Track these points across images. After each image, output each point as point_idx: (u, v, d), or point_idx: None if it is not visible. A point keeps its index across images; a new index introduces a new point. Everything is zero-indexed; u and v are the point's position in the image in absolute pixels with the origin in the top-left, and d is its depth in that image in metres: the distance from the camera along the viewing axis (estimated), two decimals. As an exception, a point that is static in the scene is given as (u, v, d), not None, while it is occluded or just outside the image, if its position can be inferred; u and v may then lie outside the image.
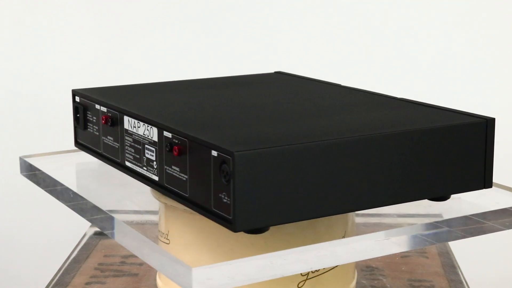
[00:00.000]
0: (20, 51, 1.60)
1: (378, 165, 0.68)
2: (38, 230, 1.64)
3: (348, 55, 1.57)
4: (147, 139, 0.74)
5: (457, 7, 1.55)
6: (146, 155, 0.75)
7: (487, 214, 0.75)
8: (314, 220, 0.74)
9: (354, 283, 0.84)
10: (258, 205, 0.63)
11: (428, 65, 1.57)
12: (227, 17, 1.58)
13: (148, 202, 0.85)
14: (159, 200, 0.80)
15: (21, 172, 0.93)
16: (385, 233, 0.70)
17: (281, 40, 1.58)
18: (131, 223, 0.91)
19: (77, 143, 0.89)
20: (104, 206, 0.79)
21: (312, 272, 0.77)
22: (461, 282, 0.97)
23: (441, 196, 0.72)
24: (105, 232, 0.76)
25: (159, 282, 0.86)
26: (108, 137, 0.82)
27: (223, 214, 0.63)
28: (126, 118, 0.78)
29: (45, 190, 0.88)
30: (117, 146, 0.80)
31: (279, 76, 0.98)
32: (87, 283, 0.97)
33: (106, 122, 0.81)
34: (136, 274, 0.99)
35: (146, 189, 0.82)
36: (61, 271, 1.01)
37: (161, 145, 0.72)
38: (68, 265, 1.03)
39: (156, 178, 0.73)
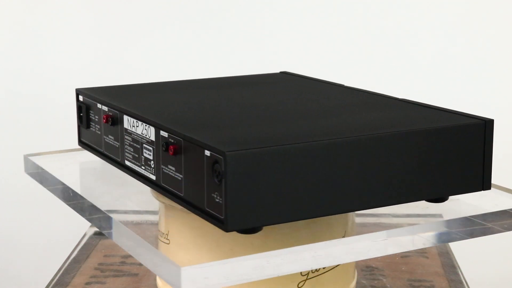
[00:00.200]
0: (20, 51, 1.60)
1: (375, 166, 0.67)
2: (38, 230, 1.64)
3: (348, 55, 1.57)
4: (145, 138, 0.74)
5: (457, 7, 1.55)
6: (144, 154, 0.75)
7: (486, 216, 0.75)
8: (314, 220, 0.74)
9: (354, 283, 0.84)
10: (250, 205, 0.63)
11: (428, 65, 1.57)
12: (227, 17, 1.58)
13: (148, 202, 0.85)
14: (159, 200, 0.80)
15: (26, 170, 0.93)
16: (384, 233, 0.70)
17: (281, 40, 1.58)
18: (131, 223, 0.91)
19: (80, 142, 0.89)
20: (104, 206, 0.79)
21: (312, 272, 0.77)
22: (461, 282, 0.97)
23: (439, 198, 0.72)
24: (103, 232, 0.76)
25: (159, 282, 0.86)
26: (109, 136, 0.82)
27: (215, 213, 0.64)
28: (125, 117, 0.78)
29: (48, 189, 0.88)
30: (117, 145, 0.80)
31: (284, 76, 0.98)
32: (87, 283, 0.97)
33: (107, 121, 0.81)
34: (136, 274, 0.99)
35: (147, 188, 0.82)
36: (61, 271, 1.01)
37: (158, 144, 0.72)
38: (68, 265, 1.03)
39: (153, 177, 0.74)
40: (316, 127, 0.70)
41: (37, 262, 1.64)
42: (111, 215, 0.79)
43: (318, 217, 0.66)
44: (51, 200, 1.59)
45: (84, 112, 0.86)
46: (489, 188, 0.73)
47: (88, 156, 0.89)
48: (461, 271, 1.01)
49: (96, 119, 0.84)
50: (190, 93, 0.87)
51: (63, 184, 0.86)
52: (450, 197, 0.73)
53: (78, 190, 0.83)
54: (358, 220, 0.94)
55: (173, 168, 0.70)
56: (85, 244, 1.10)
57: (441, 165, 0.70)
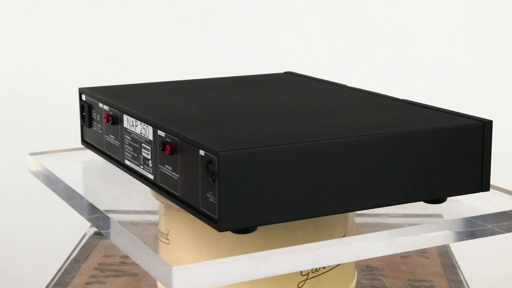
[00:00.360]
0: (20, 51, 1.60)
1: (372, 167, 0.67)
2: (38, 230, 1.64)
3: (348, 55, 1.57)
4: (143, 137, 0.75)
5: (457, 7, 1.55)
6: (143, 153, 0.75)
7: (486, 217, 0.75)
8: (315, 220, 0.74)
9: (354, 283, 0.84)
10: (244, 205, 0.63)
11: (428, 65, 1.57)
12: (227, 17, 1.58)
13: (148, 201, 0.85)
14: (159, 200, 0.80)
15: (29, 169, 0.94)
16: (385, 233, 0.70)
17: (281, 40, 1.58)
18: (131, 223, 0.91)
19: (83, 141, 0.90)
20: (104, 206, 0.79)
21: (312, 272, 0.77)
22: (461, 282, 0.97)
23: (437, 199, 0.72)
24: (101, 231, 0.76)
25: (159, 282, 0.86)
26: (110, 135, 0.82)
27: (209, 213, 0.64)
28: (125, 116, 0.78)
29: (50, 188, 0.89)
30: (117, 145, 0.81)
31: (288, 76, 0.97)
32: (87, 283, 0.97)
33: (107, 121, 0.81)
34: (136, 274, 0.99)
35: (147, 188, 0.82)
36: (61, 271, 1.01)
37: (156, 144, 0.72)
38: (68, 265, 1.03)
39: (151, 177, 0.74)
40: (313, 127, 0.70)
41: (37, 262, 1.64)
42: (111, 215, 0.79)
43: (313, 217, 0.66)
44: (51, 200, 1.59)
45: (87, 112, 0.87)
46: (488, 190, 0.73)
47: (91, 155, 0.89)
48: (461, 271, 1.01)
49: (98, 119, 0.84)
50: (192, 93, 0.87)
51: (64, 183, 0.86)
52: (449, 198, 0.73)
53: (78, 189, 0.83)
54: (358, 220, 0.94)
55: (170, 168, 0.70)
56: (85, 244, 1.10)
57: (439, 166, 0.70)
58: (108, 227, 0.75)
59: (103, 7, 1.59)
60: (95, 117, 0.85)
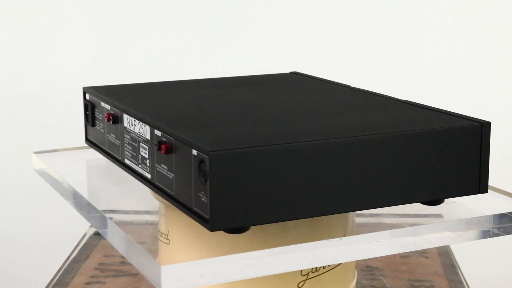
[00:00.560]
0: (20, 51, 1.60)
1: (367, 167, 0.67)
2: (38, 230, 1.64)
3: (348, 55, 1.57)
4: (141, 137, 0.75)
5: (457, 8, 1.55)
6: (141, 153, 0.75)
7: (485, 219, 0.74)
8: (314, 220, 0.74)
9: (354, 283, 0.84)
10: (235, 205, 0.62)
11: (428, 65, 1.57)
12: (227, 17, 1.58)
13: (149, 201, 0.85)
14: (158, 200, 0.80)
15: (33, 167, 0.94)
16: (385, 233, 0.70)
17: (280, 40, 1.58)
18: (131, 223, 0.91)
19: (87, 140, 0.90)
20: (105, 205, 0.79)
21: (312, 272, 0.77)
22: (461, 282, 0.97)
23: (434, 200, 0.71)
24: (99, 231, 0.76)
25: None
26: (111, 134, 0.82)
27: (201, 213, 0.64)
28: (125, 116, 0.78)
29: (52, 187, 0.89)
30: (118, 144, 0.81)
31: (293, 77, 0.97)
32: (87, 283, 0.97)
33: (109, 120, 0.81)
34: (136, 274, 0.99)
35: (147, 188, 0.82)
36: (61, 271, 1.01)
37: (152, 143, 0.72)
38: (68, 265, 1.03)
39: (149, 176, 0.74)
40: (309, 127, 0.69)
41: (37, 262, 1.64)
42: (112, 215, 0.79)
43: (307, 217, 0.66)
44: (51, 200, 1.59)
45: (90, 111, 0.87)
46: (486, 192, 0.72)
47: (95, 154, 0.89)
48: (461, 271, 1.01)
49: (100, 118, 0.85)
50: (194, 93, 0.87)
51: (65, 182, 0.86)
52: (447, 200, 0.72)
53: (79, 188, 0.84)
54: (358, 220, 0.94)
55: (166, 167, 0.70)
56: (85, 244, 1.10)
57: (437, 167, 0.70)
58: (106, 227, 0.75)
59: (103, 7, 1.59)
60: (98, 116, 0.86)
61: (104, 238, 1.10)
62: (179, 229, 0.78)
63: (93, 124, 0.87)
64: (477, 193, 0.72)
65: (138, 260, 0.66)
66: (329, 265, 0.77)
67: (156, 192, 0.73)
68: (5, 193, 1.64)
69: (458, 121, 0.72)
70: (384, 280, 0.97)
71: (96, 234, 1.12)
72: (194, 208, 0.65)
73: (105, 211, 0.78)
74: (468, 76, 1.56)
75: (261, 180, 0.63)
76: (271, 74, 0.99)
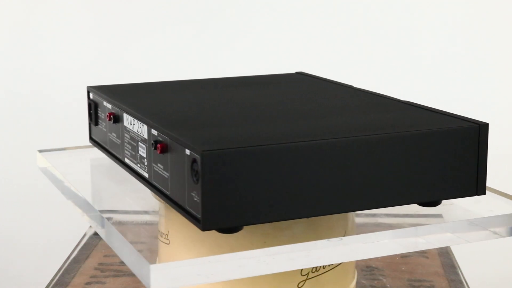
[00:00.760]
0: (20, 51, 1.60)
1: (363, 168, 0.67)
2: (38, 230, 1.64)
3: (348, 55, 1.57)
4: (139, 136, 0.75)
5: (457, 7, 1.55)
6: (139, 152, 0.75)
7: (485, 220, 0.74)
8: (314, 220, 0.74)
9: (354, 283, 0.84)
10: (227, 205, 0.62)
11: (428, 65, 1.57)
12: (227, 17, 1.58)
13: (149, 201, 0.85)
14: (158, 200, 0.80)
15: (38, 166, 0.94)
16: (386, 233, 0.69)
17: (280, 40, 1.58)
18: (131, 223, 0.91)
19: (91, 139, 0.90)
20: (105, 205, 0.79)
21: (312, 272, 0.77)
22: (461, 282, 0.97)
23: (431, 201, 0.71)
24: (97, 230, 0.76)
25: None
26: (113, 133, 0.82)
27: (194, 212, 0.64)
28: (125, 115, 0.78)
29: (55, 186, 0.89)
30: (119, 143, 0.81)
31: (298, 77, 0.97)
32: (87, 283, 0.97)
33: (110, 119, 0.81)
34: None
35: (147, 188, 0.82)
36: (61, 271, 1.01)
37: (150, 142, 0.72)
38: (68, 265, 1.03)
39: (146, 175, 0.74)
40: (307, 127, 0.69)
41: (37, 262, 1.64)
42: (112, 215, 0.79)
43: (301, 218, 0.66)
44: (51, 200, 1.59)
45: (93, 110, 0.87)
46: (484, 193, 0.72)
47: (99, 154, 0.89)
48: (461, 271, 1.01)
49: (103, 117, 0.85)
50: (195, 92, 0.87)
51: (67, 181, 0.86)
52: (444, 202, 0.72)
53: (80, 187, 0.84)
54: (358, 220, 0.94)
55: (162, 167, 0.70)
56: (85, 244, 1.10)
57: (434, 168, 0.69)
58: (102, 226, 0.75)
59: (103, 7, 1.59)
60: (100, 115, 0.86)
61: (104, 238, 1.10)
62: (179, 229, 0.78)
63: (96, 123, 0.87)
64: (474, 195, 0.71)
65: (131, 260, 0.66)
66: (329, 265, 0.77)
67: (153, 192, 0.73)
68: (5, 193, 1.64)
69: (456, 122, 0.71)
70: (384, 280, 0.97)
71: (96, 234, 1.12)
72: (187, 208, 0.65)
73: (105, 211, 0.78)
74: (468, 76, 1.56)
75: (254, 180, 0.63)
76: (276, 74, 0.99)
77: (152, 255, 0.83)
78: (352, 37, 1.57)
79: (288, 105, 0.80)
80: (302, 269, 0.75)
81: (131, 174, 0.78)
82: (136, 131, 0.76)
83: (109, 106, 0.83)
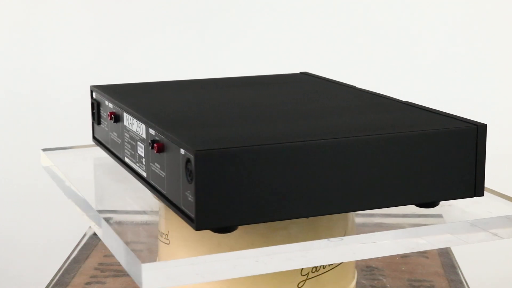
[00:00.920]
0: (20, 51, 1.60)
1: (360, 168, 0.66)
2: (38, 230, 1.64)
3: (348, 55, 1.57)
4: (138, 135, 0.75)
5: (457, 7, 1.55)
6: (138, 151, 0.75)
7: (484, 221, 0.74)
8: (314, 220, 0.74)
9: (354, 283, 0.84)
10: (221, 204, 0.62)
11: (428, 65, 1.57)
12: (227, 17, 1.58)
13: (149, 201, 0.85)
14: (158, 200, 0.80)
15: (41, 165, 0.94)
16: (386, 233, 0.69)
17: (280, 40, 1.58)
18: (131, 223, 0.91)
19: (94, 138, 0.90)
20: (104, 205, 0.79)
21: (312, 272, 0.77)
22: (461, 282, 0.97)
23: (428, 203, 0.71)
24: (95, 230, 0.76)
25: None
26: (114, 133, 0.82)
27: (188, 212, 0.64)
28: (125, 115, 0.78)
29: (58, 185, 0.89)
30: (119, 142, 0.81)
31: (302, 77, 0.97)
32: (87, 283, 0.97)
33: (111, 118, 0.82)
34: (136, 274, 0.99)
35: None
36: (61, 271, 1.01)
37: (147, 142, 0.72)
38: (68, 265, 1.03)
39: (145, 174, 0.74)
40: (304, 127, 0.69)
41: (37, 262, 1.64)
42: (112, 215, 0.79)
43: (294, 218, 0.66)
44: (51, 200, 1.59)
45: (96, 109, 0.87)
46: (482, 195, 0.71)
47: (103, 153, 0.89)
48: (461, 271, 1.01)
49: (105, 116, 0.85)
50: (196, 92, 0.87)
51: (68, 180, 0.86)
52: (442, 203, 0.72)
53: (81, 187, 0.84)
54: (358, 220, 0.94)
55: (158, 166, 0.70)
56: (85, 244, 1.10)
57: (432, 169, 0.69)
58: (100, 226, 0.75)
59: (103, 7, 1.59)
60: (103, 115, 0.86)
61: (104, 238, 1.10)
62: (179, 229, 0.78)
63: (99, 123, 0.87)
64: (473, 196, 0.71)
65: (125, 259, 0.66)
66: (329, 265, 0.77)
67: (151, 191, 0.73)
68: (5, 193, 1.64)
69: (454, 123, 0.71)
70: (384, 280, 0.97)
71: (96, 234, 1.12)
72: (182, 207, 0.65)
73: (105, 211, 0.78)
74: (468, 76, 1.56)
75: (248, 180, 0.63)
76: (281, 74, 0.99)
77: (152, 255, 0.83)
78: (352, 37, 1.57)
79: (289, 105, 0.79)
80: (302, 269, 0.75)
81: (131, 174, 0.78)
82: (135, 131, 0.76)
83: (110, 105, 0.83)
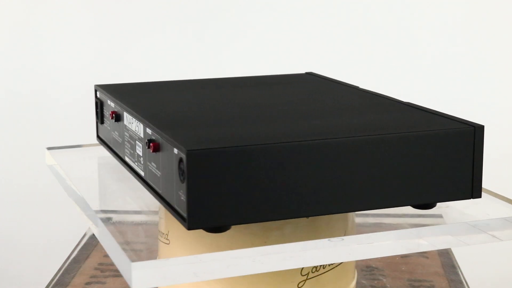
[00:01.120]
0: (20, 51, 1.60)
1: (356, 169, 0.66)
2: (38, 230, 1.64)
3: (348, 55, 1.57)
4: (137, 135, 0.75)
5: (457, 7, 1.55)
6: (137, 150, 0.75)
7: (485, 223, 0.74)
8: (314, 220, 0.74)
9: (354, 283, 0.84)
10: (213, 204, 0.62)
11: (428, 65, 1.57)
12: (227, 17, 1.58)
13: (149, 201, 0.85)
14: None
15: (46, 163, 0.94)
16: (386, 234, 0.69)
17: (280, 40, 1.58)
18: (131, 223, 0.91)
19: (98, 137, 0.90)
20: (104, 205, 0.79)
21: (312, 272, 0.77)
22: (461, 282, 0.97)
23: (425, 204, 0.70)
24: (92, 230, 0.76)
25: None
26: (115, 132, 0.83)
27: (181, 211, 0.64)
28: (125, 114, 0.79)
29: (60, 184, 0.89)
30: (120, 141, 0.81)
31: (307, 77, 0.97)
32: (87, 283, 0.97)
33: (112, 118, 0.82)
34: (136, 274, 0.99)
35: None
36: (61, 271, 1.01)
37: (145, 141, 0.72)
38: (68, 265, 1.03)
39: (142, 173, 0.74)
40: (305, 127, 0.69)
41: (37, 262, 1.64)
42: (112, 214, 0.79)
43: (288, 218, 0.65)
44: (51, 200, 1.59)
45: (99, 108, 0.87)
46: (479, 197, 0.71)
47: (106, 152, 0.89)
48: (461, 271, 1.01)
49: (107, 115, 0.85)
50: (198, 92, 0.87)
51: (69, 179, 0.86)
52: (439, 204, 0.72)
53: (82, 186, 0.84)
54: (358, 220, 0.94)
55: (154, 165, 0.70)
56: (85, 244, 1.10)
57: (429, 170, 0.69)
58: (96, 226, 0.75)
59: (103, 7, 1.59)
60: (105, 114, 0.86)
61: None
62: (179, 229, 0.78)
63: (102, 122, 0.87)
64: (470, 198, 0.71)
65: (117, 258, 0.66)
66: (329, 265, 0.77)
67: (147, 190, 0.73)
68: (5, 193, 1.64)
69: (451, 124, 0.71)
70: (384, 280, 0.97)
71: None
72: (175, 207, 0.65)
73: (106, 210, 0.78)
74: (468, 76, 1.56)
75: (240, 179, 0.63)
76: (286, 74, 0.98)
77: (151, 255, 0.83)
78: (352, 37, 1.57)
79: (290, 106, 0.79)
80: (302, 269, 0.75)
81: (130, 173, 0.79)
82: (134, 130, 0.76)
83: (112, 104, 0.83)
